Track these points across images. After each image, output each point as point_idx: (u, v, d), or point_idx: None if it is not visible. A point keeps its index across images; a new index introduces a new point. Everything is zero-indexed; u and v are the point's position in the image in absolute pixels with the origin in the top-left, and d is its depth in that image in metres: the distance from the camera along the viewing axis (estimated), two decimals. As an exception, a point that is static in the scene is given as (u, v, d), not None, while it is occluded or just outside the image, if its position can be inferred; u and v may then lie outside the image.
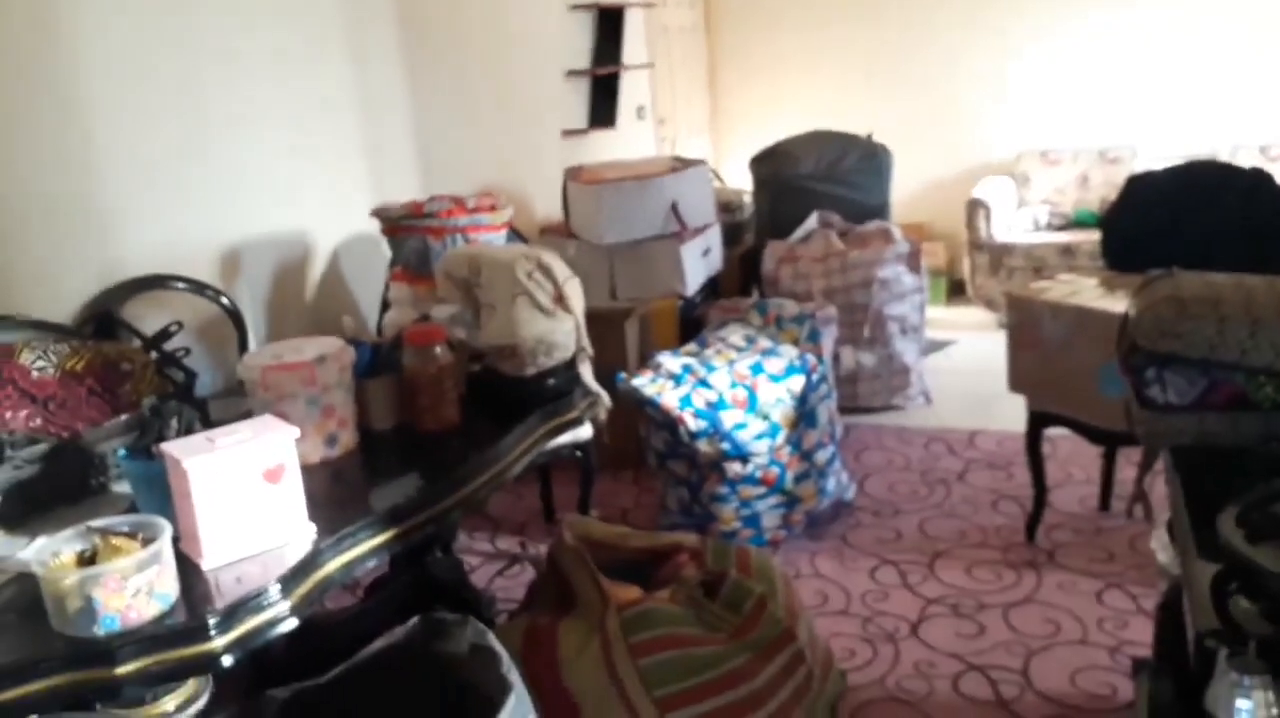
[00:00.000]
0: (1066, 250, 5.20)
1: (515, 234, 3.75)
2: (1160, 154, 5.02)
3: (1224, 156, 4.95)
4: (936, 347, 4.99)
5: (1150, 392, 1.76)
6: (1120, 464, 3.24)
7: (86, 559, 1.52)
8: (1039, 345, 2.85)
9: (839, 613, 2.77)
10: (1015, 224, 5.54)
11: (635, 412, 3.18)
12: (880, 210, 4.68)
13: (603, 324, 3.33)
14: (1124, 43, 5.62)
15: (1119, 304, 2.28)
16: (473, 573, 3.05)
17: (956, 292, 5.93)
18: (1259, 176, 2.88)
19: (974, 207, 5.39)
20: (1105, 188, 5.39)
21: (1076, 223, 5.51)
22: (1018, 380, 2.98)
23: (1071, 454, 3.54)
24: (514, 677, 1.39)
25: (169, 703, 1.74)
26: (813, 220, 4.50)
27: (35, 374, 2.07)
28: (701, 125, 6.63)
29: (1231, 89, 5.43)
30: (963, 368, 4.74)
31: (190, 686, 1.78)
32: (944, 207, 5.97)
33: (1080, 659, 2.47)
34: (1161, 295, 1.77)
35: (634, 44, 5.60)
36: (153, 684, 1.53)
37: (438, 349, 2.28)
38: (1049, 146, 5.74)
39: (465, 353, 2.49)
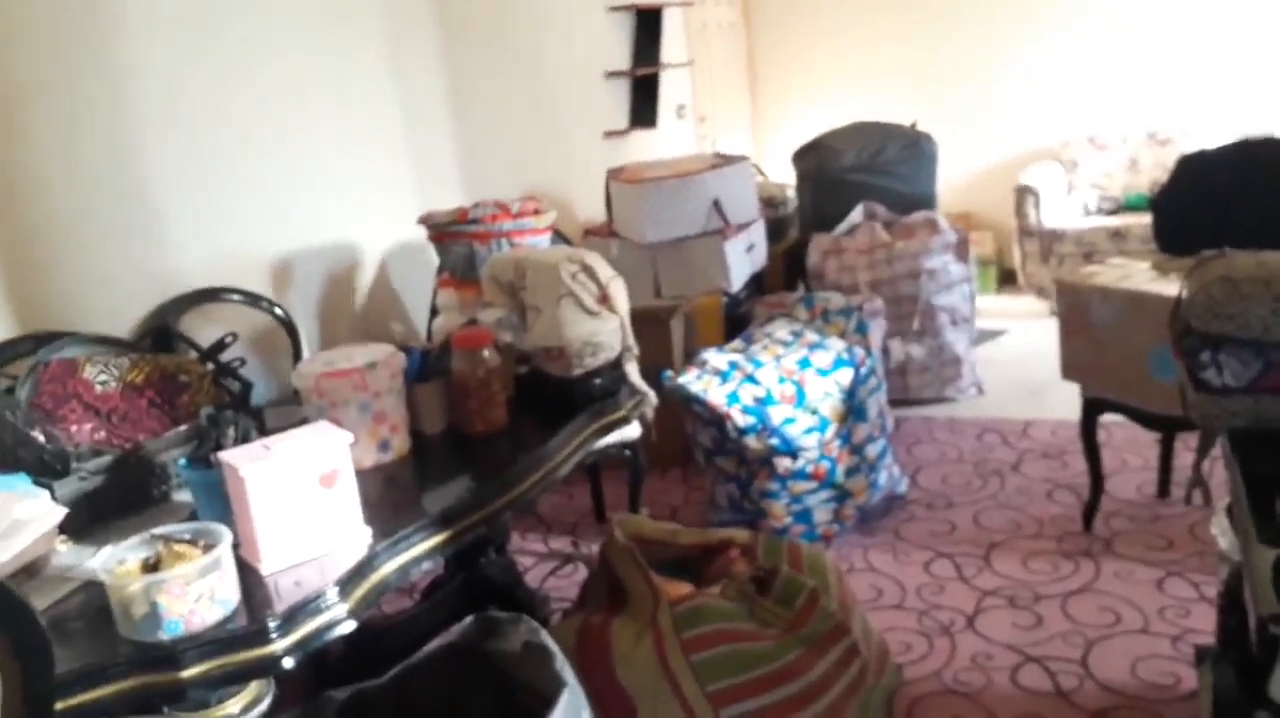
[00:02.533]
0: (1117, 235, 5.11)
1: (559, 237, 3.77)
2: (1212, 134, 4.91)
3: (1277, 134, 4.83)
4: (987, 336, 4.93)
5: (1205, 374, 1.73)
6: (1177, 450, 3.18)
7: (150, 566, 1.56)
8: (1091, 331, 2.81)
9: (893, 607, 2.76)
10: (1064, 210, 5.45)
11: (682, 410, 3.18)
12: (926, 200, 4.63)
13: (648, 323, 3.34)
14: (1172, 21, 5.50)
15: (1171, 287, 2.24)
16: (526, 573, 3.08)
17: (1006, 280, 5.85)
18: (1315, 152, 2.81)
19: (1022, 193, 5.32)
20: (1155, 170, 5.28)
21: (1127, 207, 5.41)
22: (1070, 368, 2.94)
23: (1127, 441, 3.48)
24: (568, 673, 1.41)
25: (234, 706, 1.78)
26: (857, 213, 4.47)
27: (98, 388, 2.13)
28: (743, 121, 6.61)
29: (1284, 64, 5.30)
30: (1015, 357, 4.68)
31: (253, 688, 1.82)
32: (991, 194, 5.89)
33: (1141, 648, 2.43)
34: (1214, 276, 1.74)
35: (673, 43, 5.60)
36: (216, 687, 1.57)
37: (485, 353, 2.31)
38: (1097, 130, 5.64)
39: (512, 355, 2.52)
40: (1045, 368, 3.58)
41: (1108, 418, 2.96)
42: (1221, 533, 1.81)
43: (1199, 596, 2.61)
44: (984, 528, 3.14)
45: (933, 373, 4.23)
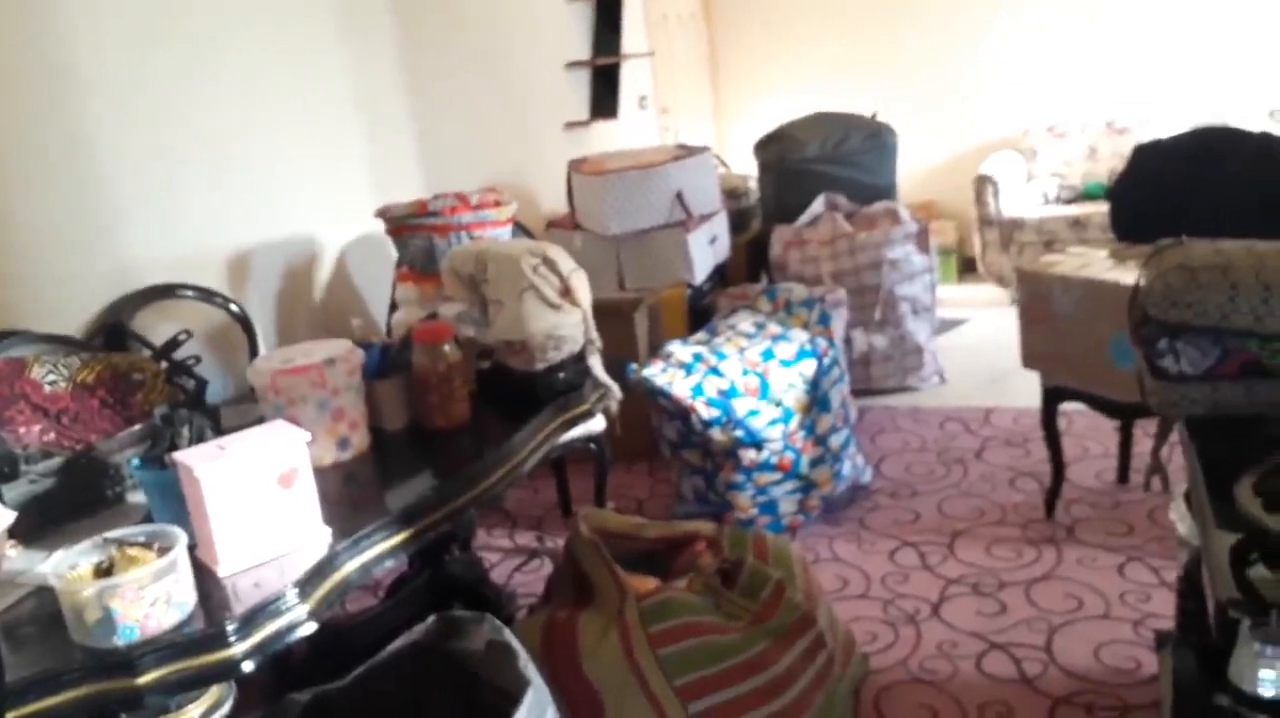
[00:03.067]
0: (1076, 223, 5.16)
1: (520, 229, 3.75)
2: (1168, 123, 4.97)
3: (1233, 123, 4.90)
4: (949, 325, 4.96)
5: (1163, 362, 1.74)
6: (1137, 437, 3.22)
7: (104, 571, 1.52)
8: (1051, 320, 2.83)
9: (859, 597, 2.77)
10: (1024, 199, 5.50)
11: (647, 403, 3.17)
12: (887, 191, 4.65)
13: (611, 316, 3.33)
14: (1128, 11, 5.56)
15: (1130, 275, 2.26)
16: (492, 569, 3.06)
17: (967, 269, 5.89)
18: (1268, 140, 2.85)
19: (982, 183, 5.35)
20: (1114, 159, 5.33)
21: (1086, 195, 5.47)
22: (1031, 356, 2.96)
23: (1088, 428, 3.52)
24: (531, 672, 1.39)
25: (193, 711, 1.74)
26: (819, 203, 4.48)
27: (47, 388, 2.08)
28: (704, 112, 6.60)
29: (1237, 54, 5.37)
30: (976, 346, 4.72)
31: (213, 693, 1.78)
32: (952, 184, 5.93)
33: (1103, 634, 2.46)
34: (1171, 264, 1.75)
35: (634, 33, 5.57)
36: (174, 693, 1.54)
37: (446, 347, 2.28)
38: (1056, 119, 5.69)
39: (474, 350, 2.49)
40: (1006, 357, 3.61)
41: (1068, 406, 2.99)
42: (1180, 518, 1.83)
43: (1159, 581, 2.65)
44: (948, 516, 3.16)
45: (895, 363, 4.26)
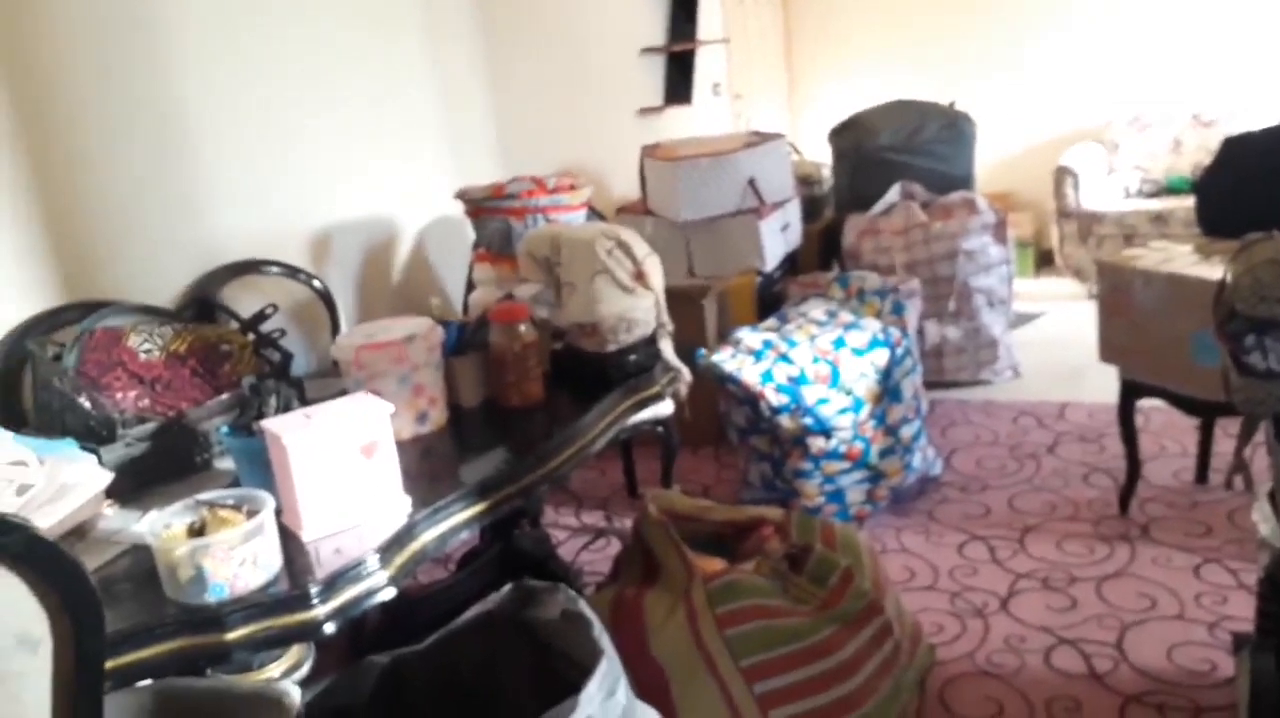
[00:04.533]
0: (1158, 218, 5.04)
1: (594, 213, 3.77)
2: (1257, 115, 4.82)
3: (1328, 115, 4.74)
4: (1024, 319, 4.88)
5: (1250, 359, 1.71)
6: (1217, 436, 3.14)
7: (196, 531, 1.59)
8: (1131, 314, 2.78)
9: (926, 588, 2.75)
10: (1105, 192, 5.38)
11: (716, 388, 3.19)
12: (964, 180, 4.59)
13: (681, 302, 3.34)
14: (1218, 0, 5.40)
15: (1214, 271, 2.22)
16: (559, 547, 3.10)
17: (1044, 262, 5.79)
18: (1366, 134, 2.75)
19: (1061, 174, 5.25)
20: (1199, 152, 5.19)
21: (1169, 189, 5.33)
22: (1109, 351, 2.91)
23: (1165, 426, 3.45)
24: (605, 642, 1.42)
25: (274, 670, 1.82)
26: (894, 192, 4.43)
27: (142, 357, 2.16)
28: (778, 99, 6.57)
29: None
30: (1052, 340, 4.64)
31: (294, 653, 1.85)
32: (1030, 175, 5.82)
33: (1177, 634, 2.42)
34: (1261, 259, 1.72)
35: (709, 19, 5.56)
36: (259, 650, 1.60)
37: (522, 327, 2.32)
38: (1139, 111, 5.55)
39: (548, 331, 2.53)
40: (1082, 351, 3.55)
41: (1146, 402, 2.93)
42: (1263, 519, 1.79)
43: (1237, 583, 2.59)
44: (1018, 511, 3.12)
45: (969, 355, 4.20)
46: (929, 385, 3.81)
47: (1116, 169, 5.54)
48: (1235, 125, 4.89)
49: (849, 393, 3.05)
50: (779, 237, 4.19)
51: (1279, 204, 2.65)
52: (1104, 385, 3.11)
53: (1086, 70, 5.77)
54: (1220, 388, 1.85)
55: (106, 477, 1.82)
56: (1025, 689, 2.29)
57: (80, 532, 1.76)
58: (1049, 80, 5.87)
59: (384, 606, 1.71)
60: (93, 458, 1.88)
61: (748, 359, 3.08)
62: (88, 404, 1.99)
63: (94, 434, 1.97)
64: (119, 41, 2.58)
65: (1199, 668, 2.29)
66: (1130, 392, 2.91)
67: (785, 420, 3.03)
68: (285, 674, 1.85)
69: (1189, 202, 3.25)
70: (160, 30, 2.68)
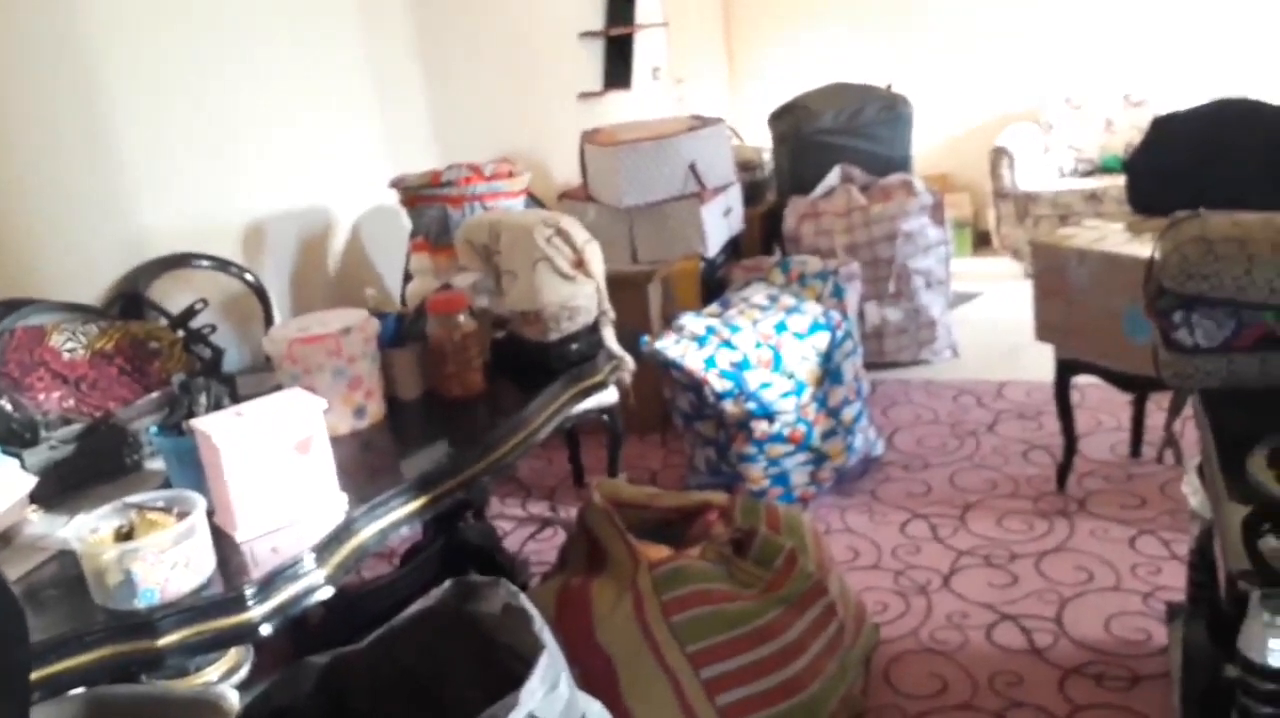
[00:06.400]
0: (1093, 197, 5.12)
1: (533, 200, 3.74)
2: (1186, 95, 4.91)
3: (1252, 95, 4.83)
4: (963, 299, 4.94)
5: (1178, 335, 1.74)
6: (1150, 410, 3.21)
7: (124, 535, 1.55)
8: (1065, 293, 2.82)
9: (870, 568, 2.78)
10: (1040, 172, 5.46)
11: (660, 374, 3.18)
12: (902, 163, 4.62)
13: (624, 287, 3.33)
14: (1148, -19, 5.50)
15: (1145, 248, 2.25)
16: (505, 538, 3.08)
17: (982, 242, 5.86)
18: (1288, 113, 2.82)
19: (998, 155, 5.32)
20: (1131, 132, 5.28)
21: (1102, 168, 5.42)
22: (1044, 329, 2.95)
23: (1101, 402, 3.52)
24: (546, 636, 1.40)
25: (212, 674, 1.78)
26: (834, 175, 4.45)
27: (66, 356, 2.10)
28: (719, 83, 6.56)
29: (1257, 26, 5.30)
30: (990, 319, 4.71)
31: (232, 656, 1.81)
32: (967, 157, 5.89)
33: (1114, 606, 2.47)
34: (1188, 237, 1.74)
35: (648, 2, 5.53)
36: (194, 655, 1.57)
37: (461, 317, 2.29)
38: (1072, 92, 5.64)
39: (488, 320, 2.51)
40: (1020, 330, 3.59)
41: (1081, 379, 2.98)
42: (1193, 491, 1.83)
43: (1170, 553, 2.65)
44: (960, 489, 3.16)
45: (909, 336, 4.25)
46: (870, 366, 3.84)
47: (1051, 149, 5.62)
48: (1163, 105, 4.98)
49: (791, 377, 3.07)
50: (721, 221, 4.19)
51: (1206, 182, 2.70)
52: (1041, 364, 3.16)
53: (1021, 51, 5.84)
54: (1151, 363, 1.88)
55: (30, 481, 1.77)
56: (968, 665, 2.32)
57: (4, 538, 1.70)
58: (985, 62, 5.93)
59: (326, 603, 1.68)
60: (15, 462, 1.82)
61: (691, 345, 3.08)
62: (9, 406, 1.93)
63: (16, 437, 1.90)
64: (42, 33, 2.49)
65: (1135, 638, 2.34)
66: (1066, 369, 2.96)
67: (729, 405, 3.03)
68: (224, 678, 1.81)
69: (1122, 180, 3.30)
70: (84, 19, 2.59)
